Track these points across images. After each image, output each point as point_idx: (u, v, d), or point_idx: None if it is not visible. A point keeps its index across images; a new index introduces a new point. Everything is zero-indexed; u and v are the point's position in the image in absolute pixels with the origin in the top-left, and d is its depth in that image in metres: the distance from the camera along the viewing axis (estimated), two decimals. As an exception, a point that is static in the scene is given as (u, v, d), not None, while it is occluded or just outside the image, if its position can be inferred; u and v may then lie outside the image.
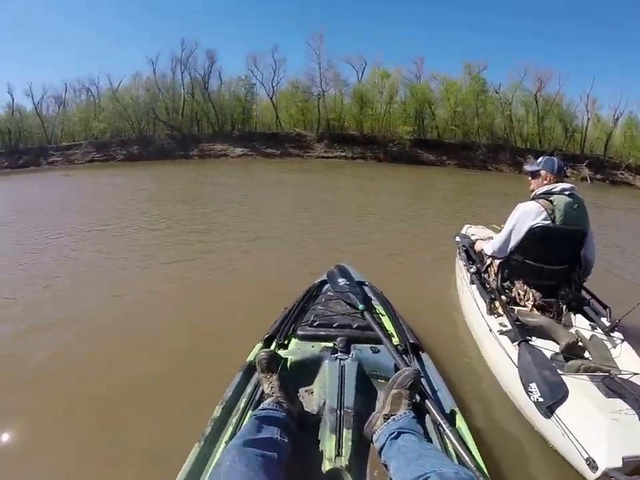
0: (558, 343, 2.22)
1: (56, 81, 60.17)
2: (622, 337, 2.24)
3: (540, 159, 2.79)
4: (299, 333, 1.99)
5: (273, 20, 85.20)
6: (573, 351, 2.15)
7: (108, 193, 12.68)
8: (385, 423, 1.37)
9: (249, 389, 1.62)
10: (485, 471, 1.24)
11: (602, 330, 2.30)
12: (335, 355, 1.77)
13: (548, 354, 2.11)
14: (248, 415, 1.46)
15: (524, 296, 2.61)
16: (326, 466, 1.27)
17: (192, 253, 5.42)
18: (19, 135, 41.46)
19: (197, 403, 1.97)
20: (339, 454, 1.29)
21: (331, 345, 1.85)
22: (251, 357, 1.86)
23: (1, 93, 76.29)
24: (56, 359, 2.69)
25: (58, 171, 27.10)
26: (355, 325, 2.00)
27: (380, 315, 2.23)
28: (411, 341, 1.97)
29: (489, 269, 2.99)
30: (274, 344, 1.95)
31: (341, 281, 2.47)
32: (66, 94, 42.51)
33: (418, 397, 1.50)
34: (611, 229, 8.72)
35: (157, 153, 33.60)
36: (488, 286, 2.83)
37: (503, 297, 2.61)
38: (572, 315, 2.50)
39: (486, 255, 2.90)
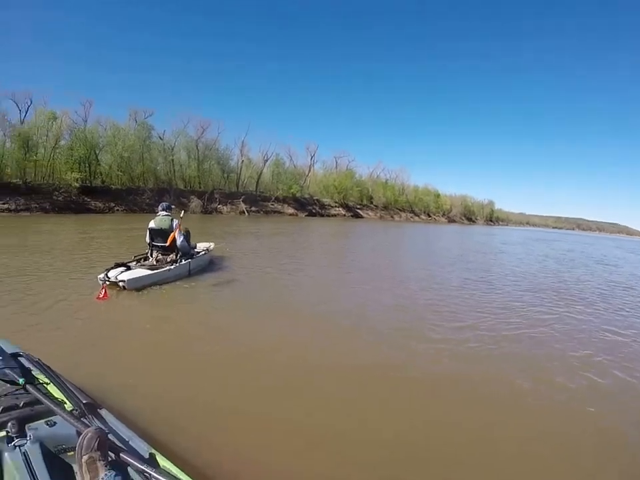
0: None
1: None
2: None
3: (162, 205, 7.77)
4: None
5: None
6: None
7: None
8: None
9: None
10: None
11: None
12: (12, 444, 1.67)
13: None
14: None
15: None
16: None
17: None
18: None
19: None
20: None
21: (3, 433, 1.73)
22: None
23: None
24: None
25: None
26: (22, 403, 1.93)
27: (45, 385, 2.18)
28: (84, 401, 1.99)
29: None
30: None
31: None
32: None
33: (112, 455, 1.55)
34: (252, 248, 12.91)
35: None
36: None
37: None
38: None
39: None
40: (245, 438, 2.84)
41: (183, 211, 8.76)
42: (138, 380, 3.62)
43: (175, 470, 1.64)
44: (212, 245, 9.77)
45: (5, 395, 2.02)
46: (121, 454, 1.61)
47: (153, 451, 1.77)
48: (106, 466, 1.49)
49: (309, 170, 49.89)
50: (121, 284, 6.41)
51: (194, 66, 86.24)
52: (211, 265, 9.21)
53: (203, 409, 3.16)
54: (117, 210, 34.59)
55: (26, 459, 1.59)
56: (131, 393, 3.27)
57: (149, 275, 6.78)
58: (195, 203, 38.16)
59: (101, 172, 37.71)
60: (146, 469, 1.52)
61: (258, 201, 43.11)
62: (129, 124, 39.44)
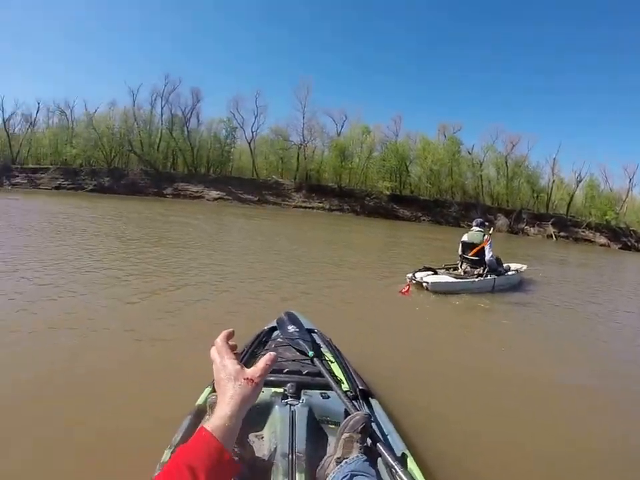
0: None
1: (28, 98, 60.74)
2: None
3: (476, 221, 7.92)
4: None
5: (257, 67, 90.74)
6: None
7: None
8: (338, 467, 1.45)
9: None
10: None
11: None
12: (286, 401, 1.87)
13: None
14: None
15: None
16: None
17: (145, 291, 5.58)
18: (-20, 150, 42.97)
19: (143, 447, 2.11)
20: None
21: (281, 390, 1.96)
22: (200, 401, 1.98)
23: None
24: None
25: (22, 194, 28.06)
26: (305, 371, 2.14)
27: (329, 362, 2.36)
28: (360, 387, 2.11)
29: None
30: None
31: (291, 328, 2.64)
32: (37, 113, 43.67)
33: (369, 441, 1.61)
34: (559, 281, 11.09)
35: (128, 187, 35.86)
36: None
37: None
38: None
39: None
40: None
41: (492, 228, 8.99)
42: (415, 378, 3.71)
43: (419, 477, 1.59)
44: (524, 267, 9.45)
45: (294, 360, 2.28)
46: (377, 443, 1.62)
47: (407, 451, 1.75)
48: (360, 449, 1.54)
49: (627, 194, 41.83)
50: (424, 285, 7.00)
51: (503, 80, 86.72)
52: (517, 286, 8.77)
53: (470, 428, 2.97)
54: (423, 220, 34.72)
55: (292, 416, 1.77)
56: (402, 388, 3.32)
57: (452, 282, 7.20)
58: (502, 221, 34.37)
59: (410, 182, 38.79)
60: (395, 465, 1.52)
61: (568, 226, 36.91)
62: (438, 138, 39.35)
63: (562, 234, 36.10)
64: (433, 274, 7.35)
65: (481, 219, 8.13)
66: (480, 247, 7.53)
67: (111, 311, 4.65)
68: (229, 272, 7.51)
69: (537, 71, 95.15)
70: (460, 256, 7.98)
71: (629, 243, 36.96)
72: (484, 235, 7.66)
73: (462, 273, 7.76)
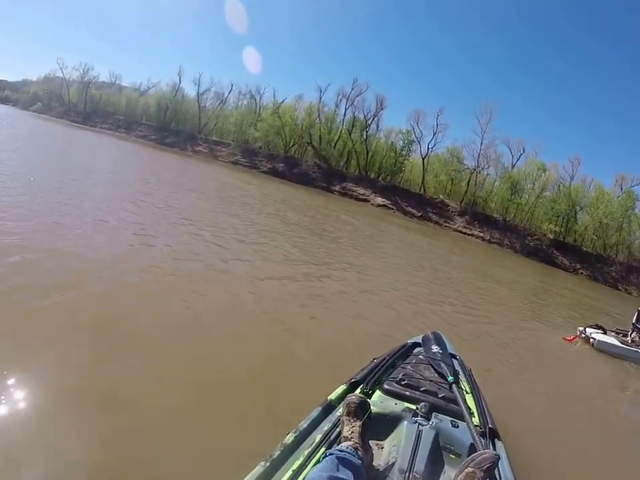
0: None
1: (223, 78, 66.91)
2: None
3: None
4: (385, 387, 2.17)
5: (442, 83, 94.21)
6: None
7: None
8: None
9: (325, 426, 1.79)
10: None
11: None
12: (415, 419, 1.90)
13: None
14: (321, 451, 1.60)
15: None
16: None
17: (304, 280, 6.00)
18: (174, 115, 49.50)
19: (265, 424, 2.39)
20: None
21: (413, 407, 2.00)
22: (332, 396, 2.05)
23: (173, 74, 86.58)
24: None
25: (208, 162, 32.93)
26: (441, 395, 2.15)
27: (465, 392, 2.36)
28: (490, 426, 2.08)
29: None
30: (358, 390, 2.11)
31: (435, 348, 2.73)
32: (229, 93, 49.60)
33: None
34: None
35: (300, 177, 38.33)
36: None
37: None
38: None
39: None
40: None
41: None
42: (547, 431, 3.60)
43: None
44: None
45: (431, 381, 2.28)
46: None
47: None
48: None
49: None
50: (591, 340, 7.32)
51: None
52: None
53: None
54: (581, 273, 33.06)
55: (418, 435, 1.79)
56: (531, 438, 3.27)
57: (618, 346, 7.33)
58: None
59: (575, 230, 37.22)
60: None
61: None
62: (614, 189, 37.49)
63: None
64: (602, 333, 7.62)
65: None
66: None
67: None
68: (371, 275, 7.99)
69: None
70: (633, 324, 8.11)
71: None
72: None
73: (629, 341, 7.80)
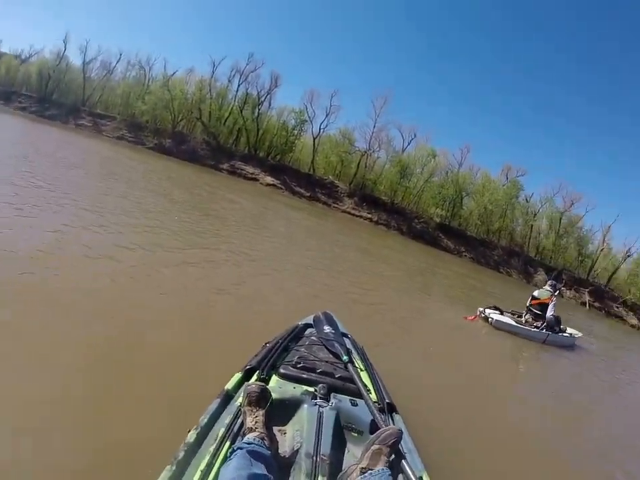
0: None
1: (112, 46, 62.62)
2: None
3: (551, 282, 9.14)
4: (281, 371, 2.16)
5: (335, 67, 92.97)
6: None
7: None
8: (361, 476, 1.48)
9: (226, 419, 1.73)
10: None
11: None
12: (315, 401, 1.91)
13: None
14: (227, 445, 1.56)
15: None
16: None
17: (183, 265, 5.53)
18: (56, 85, 45.24)
19: (163, 423, 2.23)
20: None
21: (312, 389, 2.02)
22: (229, 386, 2.02)
23: (58, 40, 76.92)
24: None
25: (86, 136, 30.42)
26: (337, 375, 2.19)
27: (359, 370, 2.41)
28: (387, 401, 2.15)
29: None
30: (254, 377, 2.10)
31: (327, 328, 2.74)
32: (117, 63, 46.30)
33: (393, 456, 1.63)
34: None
35: (188, 153, 36.21)
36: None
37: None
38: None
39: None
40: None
41: (558, 291, 9.83)
42: (442, 402, 3.87)
43: None
44: (580, 335, 10.35)
45: (327, 362, 2.33)
46: (401, 460, 1.67)
47: (424, 473, 1.76)
48: (386, 463, 1.56)
49: None
50: (490, 319, 8.40)
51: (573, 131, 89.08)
52: (567, 348, 9.44)
53: (486, 466, 3.13)
54: (465, 256, 34.37)
55: (320, 418, 1.81)
56: (427, 409, 3.43)
57: (512, 324, 8.49)
58: (542, 276, 33.90)
59: (461, 215, 38.44)
60: None
61: (604, 298, 36.58)
62: (500, 178, 39.08)
63: (596, 304, 35.76)
64: (499, 313, 8.66)
65: (554, 282, 9.45)
66: (544, 301, 8.89)
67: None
68: (255, 254, 7.84)
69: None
70: (527, 307, 9.19)
71: (663, 329, 36.69)
72: (551, 295, 8.99)
73: (523, 321, 8.88)
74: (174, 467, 1.42)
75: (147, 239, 6.27)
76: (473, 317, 8.46)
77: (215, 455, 1.50)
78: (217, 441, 1.58)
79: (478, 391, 4.72)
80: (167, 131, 39.91)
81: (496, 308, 8.87)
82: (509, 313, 9.15)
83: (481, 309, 8.69)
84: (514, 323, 8.51)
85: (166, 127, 40.37)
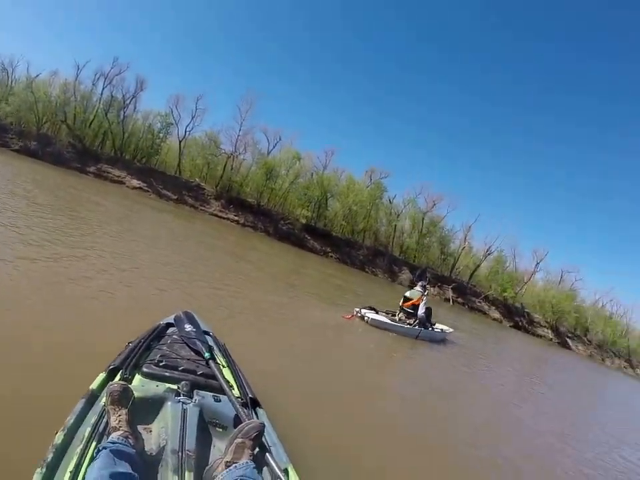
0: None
1: None
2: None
3: (421, 283, 10.13)
4: (144, 370, 2.16)
5: (205, 69, 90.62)
6: None
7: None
8: (227, 470, 1.53)
9: (92, 419, 1.72)
10: None
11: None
12: (178, 398, 1.94)
13: None
14: (93, 446, 1.56)
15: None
16: None
17: (46, 264, 5.43)
18: None
19: (29, 426, 2.16)
20: None
21: (175, 387, 2.04)
22: (93, 386, 2.00)
23: None
24: None
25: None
26: (200, 372, 2.23)
27: (222, 366, 2.46)
28: (250, 396, 2.23)
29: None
30: (118, 376, 2.10)
31: (188, 327, 2.77)
32: None
33: (257, 449, 1.70)
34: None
35: (54, 156, 34.96)
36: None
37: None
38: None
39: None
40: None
41: (427, 292, 10.77)
42: (303, 393, 4.01)
43: None
44: (450, 330, 11.53)
45: (189, 359, 2.38)
46: (265, 453, 1.77)
47: (289, 464, 1.83)
48: (250, 456, 1.61)
49: (530, 277, 43.71)
50: (366, 318, 8.98)
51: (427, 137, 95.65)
52: (438, 342, 10.40)
53: (351, 452, 3.25)
54: (331, 256, 34.93)
55: (184, 415, 1.85)
56: (291, 402, 3.52)
57: (387, 322, 9.16)
58: (406, 275, 35.44)
59: (326, 216, 39.17)
60: (281, 476, 1.65)
61: (467, 294, 38.45)
62: (364, 180, 40.21)
63: (460, 300, 37.66)
64: (375, 312, 9.32)
65: (425, 283, 10.48)
66: (415, 302, 9.82)
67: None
68: (124, 256, 7.77)
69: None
70: (400, 306, 10.07)
71: (520, 323, 38.93)
72: (422, 295, 9.95)
73: (397, 319, 9.76)
74: (44, 470, 1.41)
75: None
76: (349, 316, 8.92)
77: (82, 456, 1.50)
78: (83, 442, 1.58)
79: (346, 384, 4.85)
80: (32, 133, 38.43)
81: (371, 308, 9.47)
82: (383, 312, 9.84)
83: (357, 309, 9.21)
84: (388, 321, 9.23)
85: (31, 129, 38.86)
